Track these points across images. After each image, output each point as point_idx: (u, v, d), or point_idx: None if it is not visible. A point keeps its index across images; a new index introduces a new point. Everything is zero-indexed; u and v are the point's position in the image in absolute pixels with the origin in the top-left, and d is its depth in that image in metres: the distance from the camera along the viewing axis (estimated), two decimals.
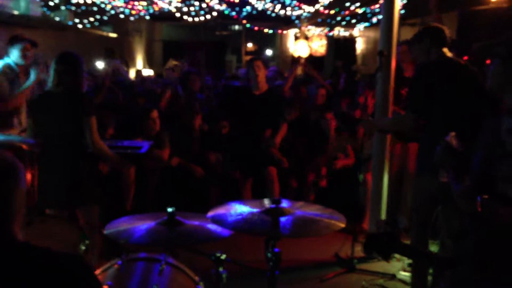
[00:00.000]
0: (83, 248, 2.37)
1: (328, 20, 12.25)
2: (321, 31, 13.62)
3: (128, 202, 5.04)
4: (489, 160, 1.73)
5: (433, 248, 4.13)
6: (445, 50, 3.48)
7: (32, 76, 4.51)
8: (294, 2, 10.41)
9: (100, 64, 10.70)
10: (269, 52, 15.54)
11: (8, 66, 4.46)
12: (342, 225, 2.29)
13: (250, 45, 17.73)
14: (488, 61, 3.94)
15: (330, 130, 5.62)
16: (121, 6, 10.79)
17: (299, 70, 11.38)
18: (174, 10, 11.37)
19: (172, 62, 11.91)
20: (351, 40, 15.28)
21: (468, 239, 1.89)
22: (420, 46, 3.52)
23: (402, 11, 7.62)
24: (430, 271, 3.55)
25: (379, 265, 4.30)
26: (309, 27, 13.42)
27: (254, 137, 5.30)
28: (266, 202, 2.43)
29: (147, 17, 12.66)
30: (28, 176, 4.19)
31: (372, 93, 4.77)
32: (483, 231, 1.81)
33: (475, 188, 1.75)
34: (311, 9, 10.59)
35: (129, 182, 5.06)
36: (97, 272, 2.36)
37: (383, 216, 4.64)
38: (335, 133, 5.68)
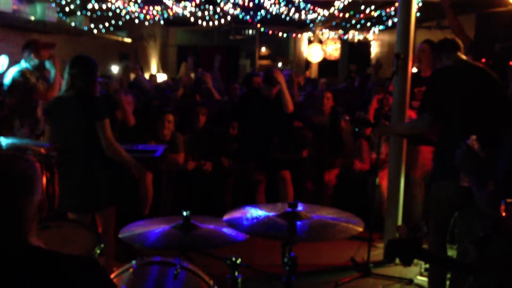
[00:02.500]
0: (98, 252, 2.36)
1: (343, 24, 12.20)
2: (335, 34, 13.58)
3: (146, 208, 5.02)
4: None
5: (451, 253, 4.07)
6: (459, 54, 3.49)
7: (50, 67, 4.51)
8: (309, 6, 10.38)
9: (115, 69, 10.78)
10: (280, 64, 15.62)
11: (27, 72, 4.47)
12: (360, 229, 2.26)
13: (263, 49, 17.75)
14: (511, 63, 3.89)
15: (346, 133, 5.57)
16: (136, 11, 10.87)
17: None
18: (188, 15, 11.41)
19: (183, 69, 11.98)
20: (366, 44, 15.21)
21: (492, 245, 1.84)
22: (435, 58, 3.66)
23: (418, 14, 7.55)
24: (448, 275, 3.49)
25: (396, 270, 4.24)
26: (323, 30, 13.39)
27: (266, 141, 5.29)
28: (282, 206, 2.41)
29: (162, 22, 12.73)
30: (43, 181, 4.21)
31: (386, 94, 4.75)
32: (507, 237, 1.76)
33: (500, 194, 1.71)
34: (326, 12, 10.55)
35: (147, 188, 5.02)
36: (112, 276, 2.35)
37: (400, 221, 4.58)
38: (351, 137, 5.62)
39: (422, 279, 4.05)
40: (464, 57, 3.51)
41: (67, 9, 9.44)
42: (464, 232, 3.35)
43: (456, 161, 2.07)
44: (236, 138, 5.63)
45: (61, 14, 9.30)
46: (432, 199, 3.55)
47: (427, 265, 3.98)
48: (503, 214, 1.62)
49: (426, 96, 3.55)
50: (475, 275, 1.89)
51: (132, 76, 7.80)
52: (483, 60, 4.39)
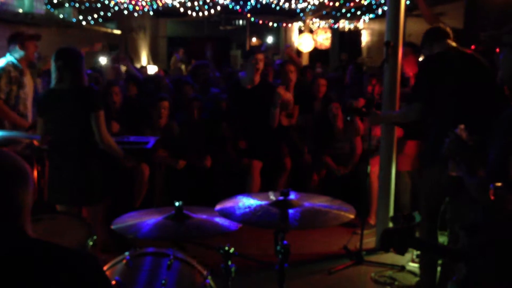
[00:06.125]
0: (91, 243, 2.36)
1: (333, 13, 12.18)
2: (326, 23, 13.55)
3: (139, 200, 5.00)
4: (505, 149, 1.70)
5: (442, 239, 4.11)
6: (449, 41, 3.49)
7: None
8: None
9: (103, 60, 10.70)
10: (269, 39, 15.53)
11: (11, 65, 4.45)
12: (351, 216, 2.28)
13: (254, 39, 17.68)
14: (497, 50, 3.90)
15: (337, 121, 5.55)
16: (125, 2, 10.78)
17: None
18: (178, 5, 11.34)
19: (174, 61, 11.95)
20: (356, 33, 15.20)
21: (482, 232, 1.86)
22: (425, 48, 3.63)
23: (408, 2, 7.53)
24: (439, 261, 3.53)
25: (388, 257, 4.28)
26: (314, 20, 13.36)
27: (251, 129, 5.27)
28: (274, 194, 2.42)
29: (151, 13, 12.64)
30: (34, 173, 4.19)
31: (379, 82, 4.74)
32: (497, 223, 1.78)
33: (491, 179, 1.72)
34: (316, 1, 10.53)
35: (143, 180, 4.98)
36: (105, 267, 2.35)
37: (391, 210, 4.60)
38: (342, 125, 5.60)
39: (414, 266, 4.10)
40: (454, 44, 3.52)
41: (55, 0, 9.36)
42: (454, 218, 3.38)
43: (445, 150, 2.09)
44: (234, 133, 5.59)
45: (49, 6, 9.22)
46: (424, 184, 3.57)
47: (419, 252, 4.02)
48: (492, 198, 1.63)
49: (417, 83, 3.56)
50: (465, 261, 1.91)
51: (123, 67, 7.72)
52: (473, 47, 4.40)
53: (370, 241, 4.56)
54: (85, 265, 1.45)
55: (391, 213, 4.59)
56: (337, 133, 5.54)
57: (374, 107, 4.61)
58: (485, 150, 1.94)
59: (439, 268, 3.52)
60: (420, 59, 5.05)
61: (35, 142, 3.89)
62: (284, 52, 7.15)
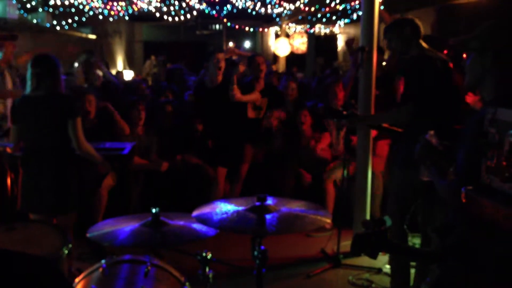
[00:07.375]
0: (66, 252, 2.33)
1: (309, 17, 12.28)
2: (302, 28, 13.65)
3: (99, 217, 4.80)
4: (474, 152, 1.74)
5: (415, 240, 4.17)
6: (422, 42, 3.52)
7: None
8: (275, 0, 10.41)
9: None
10: (246, 44, 15.60)
11: None
12: (328, 221, 2.29)
13: (231, 44, 17.69)
14: (464, 56, 3.97)
15: (306, 127, 5.55)
16: (100, 7, 10.68)
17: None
18: (153, 10, 11.29)
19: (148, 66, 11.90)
20: (332, 37, 15.35)
21: (453, 233, 1.90)
22: (402, 35, 3.53)
23: (382, 7, 7.63)
24: (413, 263, 3.57)
25: (365, 260, 4.31)
26: (290, 24, 13.44)
27: (214, 132, 5.25)
28: (251, 200, 2.42)
29: (127, 18, 12.56)
30: (8, 181, 4.12)
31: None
32: (468, 225, 1.81)
33: (461, 182, 1.76)
34: (292, 6, 10.61)
35: (102, 197, 4.86)
36: (81, 276, 2.32)
37: (368, 214, 4.64)
38: (311, 130, 5.60)
39: None
40: (425, 45, 3.55)
41: (28, 5, 9.23)
42: (426, 220, 3.42)
43: (415, 155, 2.13)
44: (204, 133, 5.58)
45: (22, 11, 9.08)
46: (397, 186, 3.59)
47: None
48: (463, 200, 1.67)
49: (411, 84, 3.52)
50: (438, 263, 1.94)
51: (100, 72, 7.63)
52: (445, 51, 4.47)
53: (347, 244, 4.59)
54: (41, 272, 1.41)
55: (368, 215, 4.64)
56: (304, 139, 5.55)
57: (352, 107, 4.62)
58: (454, 155, 1.98)
59: (412, 270, 3.56)
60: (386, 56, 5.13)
61: (8, 150, 3.83)
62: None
